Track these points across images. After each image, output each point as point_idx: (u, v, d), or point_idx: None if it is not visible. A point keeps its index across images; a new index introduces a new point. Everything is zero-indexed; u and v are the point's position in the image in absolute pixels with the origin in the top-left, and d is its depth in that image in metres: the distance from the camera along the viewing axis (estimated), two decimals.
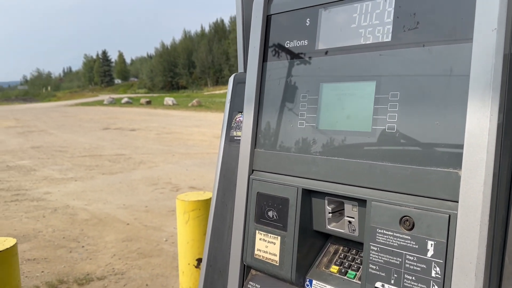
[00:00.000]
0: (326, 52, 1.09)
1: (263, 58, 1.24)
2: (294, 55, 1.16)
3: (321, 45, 1.11)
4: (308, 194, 1.11)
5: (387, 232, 0.93)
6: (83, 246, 4.54)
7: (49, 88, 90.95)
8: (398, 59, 0.96)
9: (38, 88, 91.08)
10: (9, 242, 1.83)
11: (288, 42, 1.18)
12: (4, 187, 7.37)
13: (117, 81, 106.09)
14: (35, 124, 20.02)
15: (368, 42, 1.02)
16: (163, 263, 4.03)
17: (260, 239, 1.19)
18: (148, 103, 35.58)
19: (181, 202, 2.50)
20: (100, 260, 4.15)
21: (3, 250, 1.77)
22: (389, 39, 0.98)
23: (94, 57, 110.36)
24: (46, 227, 5.19)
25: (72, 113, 27.91)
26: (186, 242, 2.51)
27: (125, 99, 39.98)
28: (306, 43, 1.14)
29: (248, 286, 1.23)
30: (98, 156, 10.42)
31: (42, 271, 3.92)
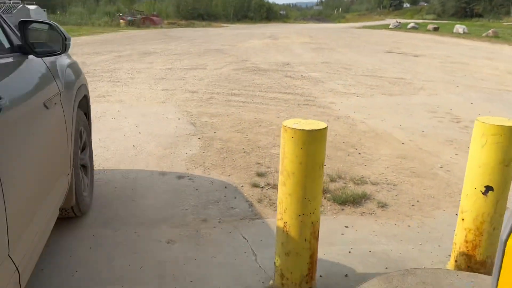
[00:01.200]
0: None
1: None
2: None
3: None
4: None
5: None
6: (359, 153, 4.91)
7: (340, 9, 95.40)
8: None
9: (331, 9, 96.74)
10: (322, 125, 2.17)
11: None
12: (299, 92, 8.51)
13: (406, 5, 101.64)
14: (326, 42, 21.72)
15: None
16: (436, 187, 3.97)
17: None
18: (436, 29, 32.96)
19: (481, 124, 2.34)
20: (374, 168, 4.42)
21: (318, 129, 2.12)
22: None
23: None
24: (329, 131, 5.80)
25: (358, 35, 28.79)
26: (477, 166, 2.38)
27: (411, 24, 38.18)
28: None
29: None
30: (379, 77, 10.60)
31: (325, 165, 4.48)
